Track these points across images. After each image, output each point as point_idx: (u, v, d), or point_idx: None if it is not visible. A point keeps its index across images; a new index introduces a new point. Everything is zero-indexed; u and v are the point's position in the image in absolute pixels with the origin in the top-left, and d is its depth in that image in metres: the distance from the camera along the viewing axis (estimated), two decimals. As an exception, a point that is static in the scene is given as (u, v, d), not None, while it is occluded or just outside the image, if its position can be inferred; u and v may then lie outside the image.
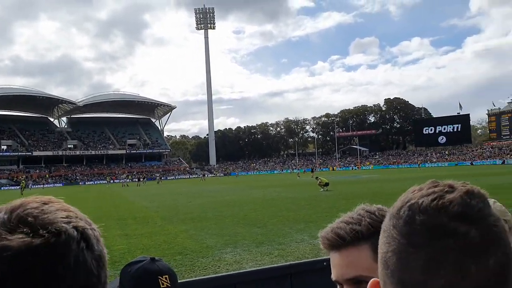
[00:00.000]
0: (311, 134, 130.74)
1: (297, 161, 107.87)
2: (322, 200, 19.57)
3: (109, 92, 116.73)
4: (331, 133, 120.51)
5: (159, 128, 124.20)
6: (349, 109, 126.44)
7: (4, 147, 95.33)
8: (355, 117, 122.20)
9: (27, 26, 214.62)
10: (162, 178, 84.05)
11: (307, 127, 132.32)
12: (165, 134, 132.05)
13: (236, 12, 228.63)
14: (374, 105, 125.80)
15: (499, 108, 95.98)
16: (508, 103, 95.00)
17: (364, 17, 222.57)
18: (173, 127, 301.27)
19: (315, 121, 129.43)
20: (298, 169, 76.41)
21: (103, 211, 19.74)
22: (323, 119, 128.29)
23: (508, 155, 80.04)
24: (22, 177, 75.74)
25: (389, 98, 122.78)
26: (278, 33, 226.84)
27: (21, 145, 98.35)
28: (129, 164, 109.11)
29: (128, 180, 72.34)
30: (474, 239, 0.55)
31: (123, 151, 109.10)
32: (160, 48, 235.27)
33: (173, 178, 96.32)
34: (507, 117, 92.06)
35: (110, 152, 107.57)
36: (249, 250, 8.61)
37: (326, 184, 26.44)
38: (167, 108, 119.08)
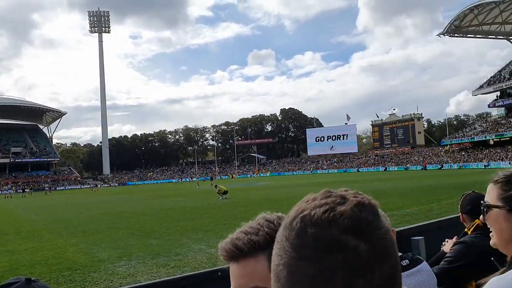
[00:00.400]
0: (211, 142, 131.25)
1: (197, 169, 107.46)
2: (220, 208, 19.74)
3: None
4: (231, 141, 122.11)
5: (48, 135, 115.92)
6: (247, 118, 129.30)
7: None
8: (253, 125, 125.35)
9: None
10: (52, 188, 78.38)
11: (207, 135, 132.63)
12: (54, 141, 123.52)
13: (133, 16, 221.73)
14: (271, 114, 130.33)
15: (381, 120, 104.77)
16: (389, 115, 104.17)
17: (261, 30, 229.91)
18: (64, 134, 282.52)
19: (214, 129, 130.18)
20: (198, 178, 76.06)
21: (-19, 227, 17.93)
22: (222, 127, 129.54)
23: (389, 163, 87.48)
24: None
25: (285, 108, 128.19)
26: (176, 40, 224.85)
27: None
28: (14, 174, 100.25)
29: (12, 191, 66.39)
30: (363, 253, 0.55)
31: (7, 160, 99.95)
32: (50, 50, 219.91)
33: (63, 189, 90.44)
34: (388, 128, 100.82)
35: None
36: (144, 262, 8.41)
37: (225, 192, 26.72)
38: (57, 114, 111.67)
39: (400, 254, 1.99)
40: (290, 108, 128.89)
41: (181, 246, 9.98)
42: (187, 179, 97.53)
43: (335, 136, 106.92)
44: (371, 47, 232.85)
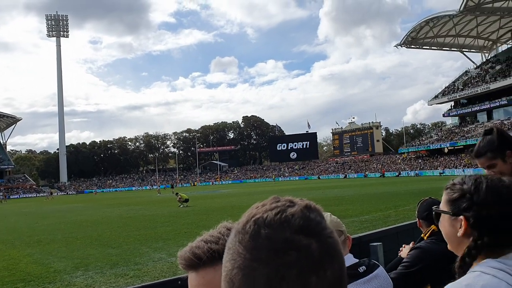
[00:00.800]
0: (172, 150, 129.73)
1: (157, 177, 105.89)
2: (181, 216, 19.53)
3: None
4: (192, 148, 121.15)
5: (1, 141, 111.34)
6: (209, 125, 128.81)
7: None
8: (215, 133, 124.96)
9: None
10: (6, 197, 75.26)
11: (168, 142, 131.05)
12: (9, 148, 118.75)
13: (93, 21, 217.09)
14: (233, 122, 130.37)
15: (341, 128, 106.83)
16: (349, 123, 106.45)
17: (224, 37, 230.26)
18: (18, 141, 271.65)
19: (176, 136, 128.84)
20: (159, 186, 74.93)
21: None
22: (184, 134, 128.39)
23: (349, 170, 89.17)
24: None
25: (247, 116, 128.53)
26: (138, 45, 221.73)
27: None
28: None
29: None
30: (314, 252, 0.58)
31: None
32: (5, 54, 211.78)
33: (18, 197, 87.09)
34: (348, 136, 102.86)
35: None
36: (102, 273, 8.21)
37: (186, 200, 26.50)
38: (11, 120, 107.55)
39: (356, 260, 2.04)
40: (252, 115, 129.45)
41: (141, 255, 9.81)
42: (147, 187, 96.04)
43: (296, 143, 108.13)
44: (332, 57, 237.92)
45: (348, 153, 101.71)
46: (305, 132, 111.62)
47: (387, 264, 3.33)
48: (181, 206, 25.53)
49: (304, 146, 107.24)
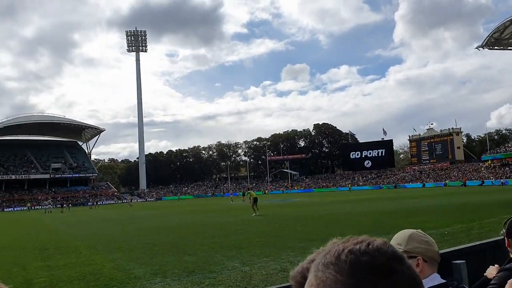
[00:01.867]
0: (243, 158, 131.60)
1: (229, 184, 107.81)
2: (254, 225, 19.63)
3: (32, 114, 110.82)
4: (263, 156, 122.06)
5: (86, 151, 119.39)
6: (280, 133, 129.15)
7: None
8: (285, 141, 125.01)
9: None
10: (97, 203, 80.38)
11: (239, 151, 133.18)
12: (93, 157, 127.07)
13: (170, 34, 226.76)
14: (304, 130, 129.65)
15: (419, 134, 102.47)
16: (427, 129, 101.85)
17: (295, 45, 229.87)
18: (102, 150, 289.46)
19: (247, 145, 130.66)
20: (231, 193, 76.07)
21: (23, 241, 18.47)
22: (255, 143, 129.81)
23: (428, 178, 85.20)
24: None
25: (318, 124, 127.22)
26: (211, 57, 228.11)
27: None
28: (53, 189, 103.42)
29: (51, 206, 68.40)
30: (408, 277, 0.65)
31: (47, 176, 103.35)
32: (89, 68, 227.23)
33: (101, 203, 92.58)
34: (426, 143, 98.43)
35: (32, 176, 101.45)
36: (179, 280, 8.40)
37: (255, 200, 26.81)
38: (95, 131, 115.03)
39: (443, 281, 1.89)
40: (324, 123, 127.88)
41: (215, 264, 9.94)
42: (220, 194, 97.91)
43: (371, 151, 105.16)
44: (408, 61, 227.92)
45: (427, 161, 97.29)
46: (380, 139, 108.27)
47: (471, 285, 3.09)
48: (254, 214, 25.69)
49: (379, 154, 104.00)
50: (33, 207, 75.47)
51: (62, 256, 12.77)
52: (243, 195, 62.77)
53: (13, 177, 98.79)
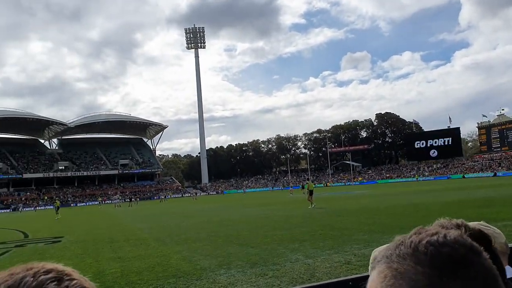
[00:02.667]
0: (303, 151, 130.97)
1: (290, 178, 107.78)
2: (315, 217, 19.49)
3: (100, 113, 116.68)
4: (323, 149, 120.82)
5: (151, 147, 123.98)
6: (340, 124, 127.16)
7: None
8: (347, 132, 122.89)
9: (17, 47, 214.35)
10: (165, 197, 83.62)
11: (299, 143, 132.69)
12: (157, 153, 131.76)
13: (228, 29, 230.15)
14: (365, 120, 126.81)
15: (489, 121, 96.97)
16: (497, 115, 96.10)
17: (355, 33, 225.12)
18: (166, 146, 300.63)
19: (306, 137, 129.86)
20: (291, 186, 76.03)
21: (95, 234, 19.51)
22: (315, 135, 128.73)
23: (499, 167, 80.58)
24: (56, 197, 73.90)
25: (380, 113, 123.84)
26: (269, 49, 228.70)
27: (11, 168, 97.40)
28: (122, 184, 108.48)
29: (120, 201, 71.73)
30: (486, 268, 0.65)
31: (116, 171, 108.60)
32: (151, 67, 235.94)
33: (166, 198, 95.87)
34: (497, 130, 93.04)
35: (102, 172, 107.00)
36: (243, 272, 8.50)
37: (311, 192, 26.64)
38: (159, 128, 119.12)
39: None
40: (386, 112, 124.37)
41: (278, 256, 9.95)
42: (279, 188, 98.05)
43: (436, 140, 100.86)
44: (476, 44, 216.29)
45: (498, 149, 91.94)
46: (446, 127, 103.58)
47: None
48: (311, 207, 25.55)
49: (446, 143, 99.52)
50: (103, 202, 79.55)
51: (131, 248, 13.34)
52: (303, 188, 62.62)
53: (85, 173, 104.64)
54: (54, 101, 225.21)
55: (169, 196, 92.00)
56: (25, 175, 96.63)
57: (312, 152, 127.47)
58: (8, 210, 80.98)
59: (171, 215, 29.84)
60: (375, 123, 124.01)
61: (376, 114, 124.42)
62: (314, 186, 28.67)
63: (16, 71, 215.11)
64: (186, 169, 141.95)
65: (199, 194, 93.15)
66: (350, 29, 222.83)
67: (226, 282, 7.75)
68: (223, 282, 7.74)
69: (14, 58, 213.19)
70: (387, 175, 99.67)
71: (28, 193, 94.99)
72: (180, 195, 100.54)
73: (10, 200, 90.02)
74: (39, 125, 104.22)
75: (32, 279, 0.56)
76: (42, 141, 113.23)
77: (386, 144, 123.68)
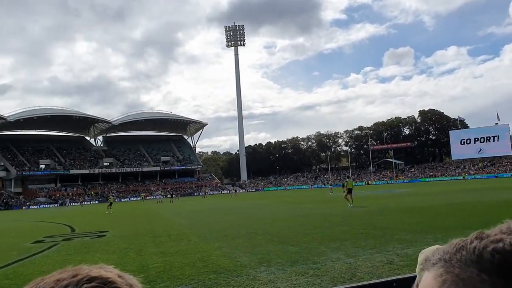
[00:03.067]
0: (344, 148, 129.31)
1: (330, 175, 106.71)
2: (356, 216, 19.19)
3: (143, 111, 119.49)
4: (365, 146, 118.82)
5: (191, 144, 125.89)
6: (382, 121, 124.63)
7: (43, 166, 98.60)
8: (389, 129, 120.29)
9: (64, 47, 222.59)
10: (206, 193, 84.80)
11: (340, 141, 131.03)
12: (197, 150, 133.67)
13: (268, 26, 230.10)
14: (408, 117, 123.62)
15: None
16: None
17: (398, 28, 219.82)
18: (205, 143, 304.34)
19: (347, 135, 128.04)
20: (331, 185, 75.14)
21: (139, 228, 20.00)
22: (356, 132, 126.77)
23: (552, 166, 76.82)
24: (110, 193, 76.97)
25: (424, 110, 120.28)
26: (310, 45, 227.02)
27: (58, 164, 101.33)
28: (163, 181, 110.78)
29: (162, 197, 73.25)
30: None
31: (157, 168, 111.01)
32: (192, 65, 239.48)
33: (209, 194, 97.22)
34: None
35: (145, 169, 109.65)
36: (283, 269, 8.47)
37: (349, 191, 26.22)
38: (199, 125, 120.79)
39: None
40: (430, 109, 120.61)
41: (319, 255, 9.86)
42: (318, 186, 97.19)
43: (483, 138, 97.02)
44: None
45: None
46: (494, 124, 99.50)
47: None
48: (350, 205, 25.17)
49: (493, 140, 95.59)
50: (146, 197, 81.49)
51: (173, 243, 13.57)
52: (343, 186, 61.74)
53: (128, 170, 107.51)
54: (99, 100, 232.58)
55: (208, 193, 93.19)
56: (72, 171, 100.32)
57: (353, 150, 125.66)
58: (56, 205, 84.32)
59: (211, 212, 30.17)
60: (418, 120, 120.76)
61: (420, 111, 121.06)
62: (353, 184, 28.21)
63: (64, 70, 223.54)
64: (225, 166, 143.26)
65: (238, 191, 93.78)
66: (393, 24, 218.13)
67: (266, 279, 7.75)
68: (263, 279, 7.74)
69: (62, 58, 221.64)
70: (431, 173, 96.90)
71: (74, 189, 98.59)
72: (219, 192, 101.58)
73: (58, 195, 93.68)
74: (85, 123, 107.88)
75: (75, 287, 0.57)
76: (88, 138, 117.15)
77: (429, 142, 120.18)
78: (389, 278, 2.02)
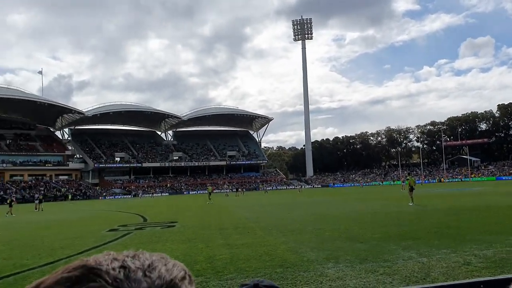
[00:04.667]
0: (415, 144, 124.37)
1: (400, 172, 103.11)
2: (429, 214, 18.34)
3: (210, 107, 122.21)
4: (438, 142, 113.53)
5: (257, 139, 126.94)
6: (457, 116, 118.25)
7: (118, 159, 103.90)
8: (464, 124, 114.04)
9: (137, 45, 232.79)
10: (266, 190, 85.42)
11: (411, 136, 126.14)
12: (263, 145, 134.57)
13: (337, 18, 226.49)
14: (485, 111, 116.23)
15: None
16: None
17: (476, 17, 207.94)
18: (271, 138, 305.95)
19: (419, 130, 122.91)
20: (403, 181, 72.36)
21: (206, 220, 20.43)
22: (428, 127, 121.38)
23: None
24: (208, 184, 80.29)
25: (503, 104, 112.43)
26: (381, 37, 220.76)
27: (132, 157, 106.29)
28: (229, 175, 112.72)
29: (228, 191, 74.53)
30: None
31: (224, 162, 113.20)
32: (260, 60, 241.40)
33: (270, 189, 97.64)
34: None
35: (212, 163, 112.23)
36: (352, 266, 8.21)
37: (411, 189, 25.06)
38: (265, 120, 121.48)
39: None
40: (510, 103, 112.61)
41: (389, 253, 9.48)
42: (389, 182, 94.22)
43: None
44: None
45: None
46: None
47: None
48: (411, 203, 24.06)
49: None
50: (212, 191, 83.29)
51: (239, 236, 13.69)
52: (405, 183, 59.24)
53: (196, 163, 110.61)
54: (170, 96, 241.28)
55: (271, 188, 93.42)
56: (144, 164, 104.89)
57: (424, 146, 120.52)
58: (129, 196, 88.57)
59: (276, 206, 30.21)
60: (496, 115, 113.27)
61: (498, 105, 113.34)
62: (415, 181, 26.88)
63: (137, 67, 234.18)
64: (290, 161, 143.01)
65: (304, 186, 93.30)
66: (471, 13, 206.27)
67: (334, 276, 7.55)
68: (331, 276, 7.55)
69: (135, 55, 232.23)
70: (511, 171, 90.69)
71: (146, 181, 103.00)
72: (285, 187, 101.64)
73: (131, 186, 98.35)
74: (157, 118, 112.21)
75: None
76: (159, 133, 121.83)
77: (509, 138, 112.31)
78: (474, 280, 1.81)
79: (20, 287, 7.86)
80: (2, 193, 78.65)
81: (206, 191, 47.47)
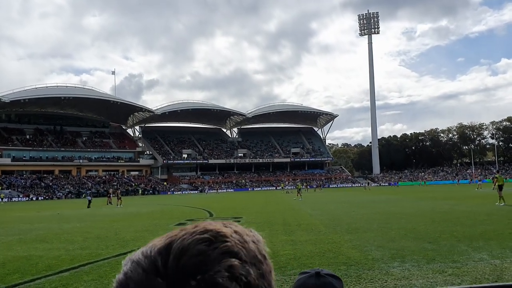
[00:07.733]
0: (490, 141, 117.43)
1: (473, 170, 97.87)
2: (504, 215, 17.36)
3: (274, 104, 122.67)
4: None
5: (321, 136, 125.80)
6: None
7: (185, 156, 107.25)
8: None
9: (204, 43, 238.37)
10: (321, 187, 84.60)
11: (485, 133, 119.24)
12: (327, 142, 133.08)
13: (406, 9, 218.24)
14: None
15: None
16: None
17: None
18: (336, 135, 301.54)
19: (494, 126, 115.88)
20: (480, 180, 68.18)
21: (270, 216, 20.68)
22: (504, 123, 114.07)
23: None
24: (298, 180, 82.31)
25: None
26: (454, 28, 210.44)
27: (198, 154, 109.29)
28: (293, 172, 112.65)
29: (291, 188, 74.61)
30: None
31: (288, 159, 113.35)
32: (325, 55, 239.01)
33: (335, 186, 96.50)
34: None
35: (276, 160, 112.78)
36: (419, 266, 8.04)
37: (500, 187, 23.65)
38: (329, 117, 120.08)
39: None
40: None
41: (459, 253, 9.15)
42: (467, 181, 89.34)
43: None
44: None
45: None
46: None
47: None
48: (500, 203, 22.69)
49: None
50: (282, 188, 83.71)
51: (303, 233, 13.76)
52: (493, 182, 55.06)
53: (260, 160, 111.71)
54: (235, 93, 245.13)
55: (336, 185, 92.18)
56: (210, 161, 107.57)
57: (500, 143, 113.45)
58: (196, 191, 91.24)
59: (341, 204, 29.89)
60: None
61: None
62: (504, 180, 25.35)
63: (204, 65, 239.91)
64: (355, 159, 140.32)
65: (370, 184, 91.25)
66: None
67: (400, 275, 7.45)
68: (397, 275, 7.45)
69: (202, 53, 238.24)
70: None
71: (212, 177, 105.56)
72: (350, 185, 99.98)
73: (198, 182, 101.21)
74: (222, 115, 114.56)
75: (189, 236, 0.60)
76: (224, 130, 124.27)
77: None
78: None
79: (94, 275, 8.46)
80: (78, 188, 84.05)
81: (295, 187, 48.82)
